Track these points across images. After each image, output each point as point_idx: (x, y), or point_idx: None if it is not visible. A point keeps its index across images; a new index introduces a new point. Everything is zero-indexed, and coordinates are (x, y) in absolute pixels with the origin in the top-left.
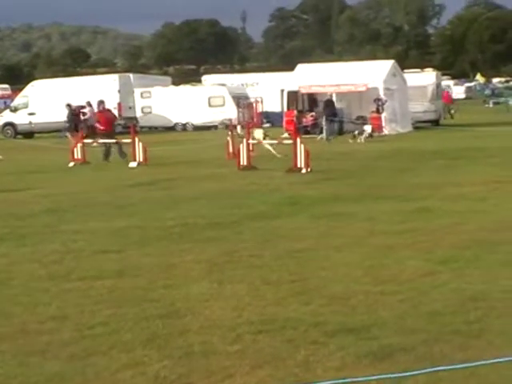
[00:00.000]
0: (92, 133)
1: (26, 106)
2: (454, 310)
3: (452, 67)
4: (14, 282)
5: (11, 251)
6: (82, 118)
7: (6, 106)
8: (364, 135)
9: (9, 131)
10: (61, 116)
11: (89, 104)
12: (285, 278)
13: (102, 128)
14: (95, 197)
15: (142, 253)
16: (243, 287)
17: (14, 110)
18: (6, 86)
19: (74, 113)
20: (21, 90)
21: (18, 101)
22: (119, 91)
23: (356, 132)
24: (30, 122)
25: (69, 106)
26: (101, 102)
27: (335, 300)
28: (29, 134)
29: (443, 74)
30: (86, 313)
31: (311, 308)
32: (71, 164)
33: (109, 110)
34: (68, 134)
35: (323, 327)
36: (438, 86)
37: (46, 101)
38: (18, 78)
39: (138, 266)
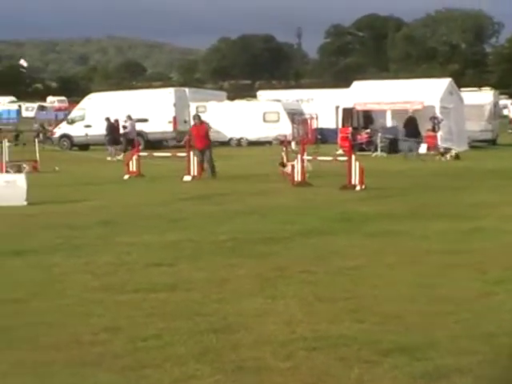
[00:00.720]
0: (131, 146)
1: (82, 118)
2: (509, 331)
3: (510, 86)
4: (68, 292)
5: (65, 262)
6: (121, 131)
7: (63, 118)
8: (450, 154)
9: (65, 143)
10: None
11: (129, 118)
12: (338, 295)
13: (195, 145)
14: (149, 210)
15: (195, 267)
16: (296, 303)
17: (71, 122)
18: (64, 98)
19: (113, 126)
20: (77, 102)
21: (74, 113)
22: (175, 105)
23: (442, 150)
24: (86, 134)
25: (107, 119)
26: (195, 117)
27: (389, 319)
28: (85, 146)
29: (501, 93)
30: (140, 325)
31: (365, 326)
32: (126, 176)
33: (203, 124)
34: (109, 147)
35: (377, 346)
36: (496, 105)
37: (102, 113)
38: (75, 90)
39: (191, 280)
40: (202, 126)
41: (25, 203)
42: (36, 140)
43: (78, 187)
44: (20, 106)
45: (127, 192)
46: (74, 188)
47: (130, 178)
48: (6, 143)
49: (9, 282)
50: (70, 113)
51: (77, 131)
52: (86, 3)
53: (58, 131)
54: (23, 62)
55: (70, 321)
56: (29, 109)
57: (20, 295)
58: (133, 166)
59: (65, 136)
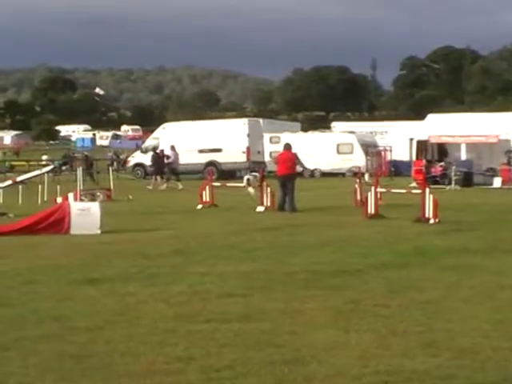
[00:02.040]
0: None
1: (156, 147)
2: None
3: None
4: (142, 321)
5: (140, 290)
6: (166, 161)
7: (137, 147)
8: None
9: (139, 172)
10: (191, 159)
11: (172, 148)
12: (412, 328)
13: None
14: (222, 240)
15: (268, 297)
16: (369, 336)
17: (145, 151)
18: (138, 127)
19: (158, 157)
20: (152, 131)
21: (148, 142)
22: (248, 135)
23: None
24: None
25: (153, 149)
26: (285, 146)
27: (463, 354)
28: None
29: None
30: (212, 355)
31: (439, 361)
32: (199, 206)
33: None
34: (155, 177)
35: (451, 381)
36: None
37: (177, 143)
38: (150, 119)
39: (263, 311)
40: (292, 154)
41: (98, 232)
42: (110, 168)
43: (152, 216)
44: (94, 135)
45: (200, 222)
46: (148, 217)
47: (203, 207)
48: (80, 171)
49: (83, 310)
50: (144, 142)
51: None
52: (161, 32)
53: (132, 160)
54: (99, 91)
55: (143, 350)
56: (103, 137)
57: (94, 323)
58: (206, 196)
59: (138, 165)
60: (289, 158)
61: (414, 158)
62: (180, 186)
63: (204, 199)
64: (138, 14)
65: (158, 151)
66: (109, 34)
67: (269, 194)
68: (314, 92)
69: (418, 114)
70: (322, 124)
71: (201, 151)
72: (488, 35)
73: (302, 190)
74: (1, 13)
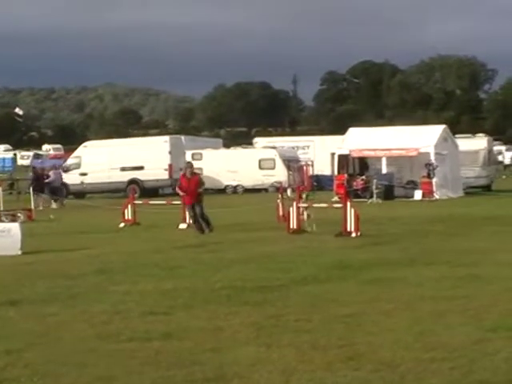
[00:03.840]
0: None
1: (78, 166)
2: (505, 378)
3: (504, 132)
4: (63, 342)
5: (61, 311)
6: (46, 180)
7: (59, 166)
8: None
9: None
10: (113, 177)
11: (54, 167)
12: (333, 342)
13: (184, 199)
14: (145, 258)
15: (190, 315)
16: (291, 351)
17: (66, 170)
18: (59, 146)
19: (38, 174)
20: (73, 150)
21: (70, 161)
22: (170, 153)
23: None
24: (82, 183)
25: (33, 168)
26: (188, 166)
27: (384, 366)
28: (81, 194)
29: (495, 139)
30: (134, 374)
31: (360, 374)
32: (122, 225)
33: (196, 176)
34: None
35: None
36: (490, 151)
37: (98, 161)
38: (71, 138)
39: (186, 329)
40: (194, 179)
41: (19, 252)
42: (31, 188)
43: (74, 236)
44: (15, 155)
45: (123, 240)
46: (70, 236)
47: (125, 226)
48: (0, 192)
49: (2, 332)
50: (65, 161)
51: (72, 179)
52: (82, 50)
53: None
54: (19, 110)
55: (64, 370)
56: (24, 157)
57: (13, 346)
58: (128, 214)
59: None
60: (192, 183)
61: (335, 172)
62: (54, 206)
63: (126, 217)
64: (58, 32)
65: (37, 170)
66: (29, 52)
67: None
68: (235, 108)
69: (340, 129)
70: (244, 140)
71: (123, 169)
72: (406, 49)
73: (224, 207)
74: None
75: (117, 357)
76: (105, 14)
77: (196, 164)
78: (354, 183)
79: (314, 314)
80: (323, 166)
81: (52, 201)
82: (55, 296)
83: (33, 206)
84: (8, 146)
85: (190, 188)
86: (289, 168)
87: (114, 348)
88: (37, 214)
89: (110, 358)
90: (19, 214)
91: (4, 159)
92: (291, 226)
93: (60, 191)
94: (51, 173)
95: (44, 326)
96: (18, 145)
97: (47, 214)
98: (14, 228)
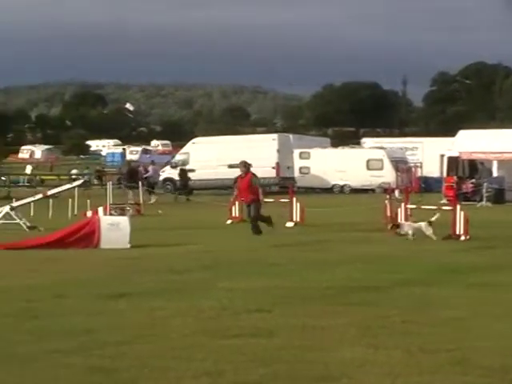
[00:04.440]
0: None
1: (186, 162)
2: None
3: None
4: (171, 336)
5: (168, 305)
6: (144, 175)
7: (167, 162)
8: None
9: (168, 186)
10: (220, 174)
11: (152, 163)
12: (441, 346)
13: (239, 198)
14: (250, 255)
15: (295, 313)
16: (398, 353)
17: (175, 166)
18: (168, 142)
19: (134, 170)
20: (182, 146)
21: (178, 157)
22: (278, 151)
23: None
24: (190, 179)
25: (128, 163)
26: (242, 164)
27: (493, 372)
28: (184, 189)
29: None
30: (241, 370)
31: (469, 379)
32: (229, 221)
33: (248, 174)
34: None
35: None
36: None
37: (206, 158)
38: (179, 134)
39: (291, 327)
40: (245, 178)
41: (128, 246)
42: (140, 183)
43: (181, 231)
44: (124, 149)
45: (229, 237)
46: (177, 232)
47: (232, 223)
48: (110, 186)
49: (112, 324)
50: (173, 157)
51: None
52: (192, 49)
53: (162, 175)
54: (129, 106)
55: (171, 364)
56: (133, 152)
57: (123, 338)
58: (235, 212)
59: (168, 180)
60: (244, 182)
61: (444, 174)
62: (153, 200)
63: (233, 214)
64: (168, 30)
65: (133, 165)
66: (139, 49)
67: (298, 210)
68: (344, 107)
69: (449, 130)
70: (352, 140)
71: (230, 166)
72: None
73: (330, 206)
74: (34, 29)
75: (224, 352)
76: (211, 13)
77: (304, 163)
78: (464, 186)
79: (420, 317)
80: (432, 168)
81: (151, 196)
82: (162, 290)
83: (141, 200)
84: (117, 141)
85: (242, 187)
86: (397, 169)
87: (221, 343)
88: (145, 208)
89: (217, 354)
90: (128, 208)
91: (113, 154)
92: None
93: (183, 186)
94: (150, 168)
95: (152, 320)
96: (127, 140)
97: (155, 208)
98: (123, 222)
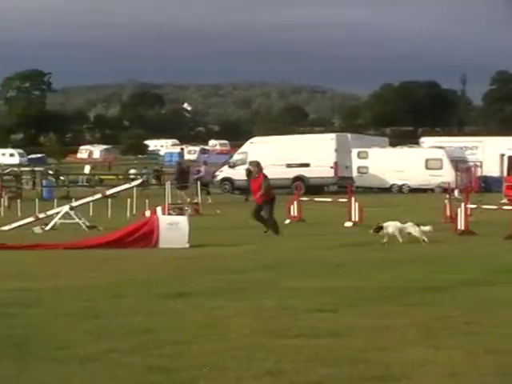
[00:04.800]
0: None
1: (244, 162)
2: None
3: None
4: (230, 335)
5: (228, 305)
6: (195, 176)
7: (225, 162)
8: None
9: (226, 186)
10: (278, 173)
11: (205, 163)
12: (506, 347)
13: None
14: (310, 254)
15: (357, 313)
16: (460, 354)
17: (233, 165)
18: (225, 141)
19: (183, 171)
20: (239, 146)
21: (236, 157)
22: (336, 150)
23: None
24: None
25: (179, 163)
26: (255, 165)
27: None
28: (246, 189)
29: None
30: (302, 370)
31: None
32: (287, 221)
33: (261, 175)
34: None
35: None
36: None
37: (264, 158)
38: (237, 134)
39: (352, 327)
40: (257, 179)
41: (187, 246)
42: (198, 183)
43: (239, 230)
44: (182, 149)
45: (288, 236)
46: (235, 231)
47: (290, 222)
48: (168, 185)
49: (171, 323)
50: (231, 156)
51: (238, 175)
52: (249, 48)
53: (220, 174)
54: (187, 106)
55: (231, 364)
56: (191, 152)
57: (182, 337)
58: (294, 211)
59: (226, 179)
60: (256, 182)
61: (504, 173)
62: (210, 200)
63: (292, 214)
64: (225, 29)
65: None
66: (197, 49)
67: (357, 209)
68: (402, 107)
69: (509, 130)
70: (411, 139)
71: (288, 166)
72: None
73: (389, 206)
74: (91, 29)
75: (284, 352)
76: (268, 11)
77: (362, 162)
78: None
79: (484, 317)
80: (492, 167)
81: (208, 196)
82: (221, 290)
83: (199, 200)
84: (175, 141)
85: (255, 188)
86: (456, 168)
87: (281, 343)
88: (204, 208)
89: (278, 354)
90: (186, 208)
91: (171, 154)
92: (459, 227)
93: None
94: (202, 168)
95: (211, 319)
96: (185, 140)
97: (214, 208)
98: (182, 221)
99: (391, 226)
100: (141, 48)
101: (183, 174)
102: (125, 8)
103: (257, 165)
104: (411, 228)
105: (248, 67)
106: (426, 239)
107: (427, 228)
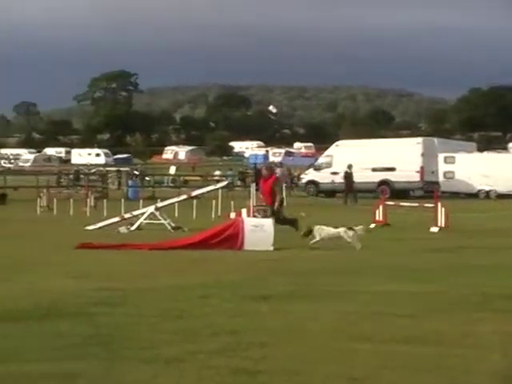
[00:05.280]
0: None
1: (329, 165)
2: None
3: None
4: (313, 339)
5: (310, 308)
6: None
7: (310, 165)
8: None
9: (311, 189)
10: (363, 177)
11: (280, 165)
12: None
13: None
14: (394, 259)
15: (438, 319)
16: None
17: (318, 168)
18: (310, 144)
19: (260, 172)
20: (324, 149)
21: (321, 160)
22: (423, 155)
23: None
24: (333, 181)
25: (255, 165)
26: (267, 168)
27: None
28: (331, 192)
29: None
30: (383, 376)
31: None
32: (372, 225)
33: (272, 176)
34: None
35: None
36: None
37: (350, 161)
38: (323, 137)
39: (434, 333)
40: (268, 180)
41: (271, 248)
42: (283, 185)
43: None
44: (267, 151)
45: (371, 240)
46: None
47: (376, 226)
48: (253, 187)
49: (255, 326)
50: (316, 159)
51: (323, 178)
52: (335, 51)
53: (305, 177)
54: (272, 108)
55: (314, 368)
56: (276, 154)
57: (267, 340)
58: (379, 215)
59: (311, 182)
60: (267, 184)
61: None
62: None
63: (377, 218)
64: (312, 34)
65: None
66: (284, 51)
67: (443, 215)
68: (490, 112)
69: None
70: (499, 144)
71: (374, 169)
72: None
73: (476, 212)
74: (178, 31)
75: (365, 358)
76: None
77: (448, 167)
78: None
79: None
80: None
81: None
82: (303, 293)
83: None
84: (260, 143)
85: (265, 190)
86: None
87: (362, 348)
88: (288, 210)
89: (359, 359)
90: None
91: (256, 156)
92: None
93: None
94: (277, 170)
95: (293, 322)
96: (270, 142)
97: (298, 210)
98: (268, 224)
99: (320, 230)
100: (227, 49)
101: (259, 177)
102: (213, 10)
103: (269, 168)
104: (344, 233)
105: (334, 70)
106: (358, 246)
107: (359, 228)
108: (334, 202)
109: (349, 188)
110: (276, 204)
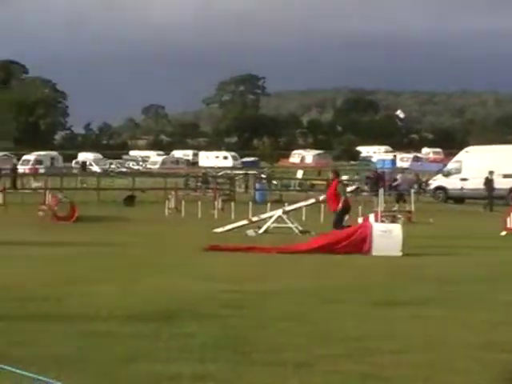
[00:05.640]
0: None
1: (458, 171)
2: None
3: None
4: (445, 347)
5: (440, 315)
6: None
7: (439, 170)
8: None
9: (440, 195)
10: (495, 184)
11: (402, 171)
12: None
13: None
14: None
15: None
16: None
17: (447, 174)
18: (439, 150)
19: (380, 176)
20: (454, 154)
21: (450, 165)
22: None
23: None
24: (462, 188)
25: (375, 170)
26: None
27: None
28: (460, 199)
29: None
30: None
31: None
32: (503, 233)
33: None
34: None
35: None
36: None
37: (479, 167)
38: (452, 142)
39: None
40: (332, 185)
41: (400, 254)
42: (412, 191)
43: (452, 240)
44: (395, 156)
45: (503, 249)
46: (448, 241)
47: (506, 234)
48: (382, 192)
49: (385, 331)
50: (445, 165)
51: (452, 184)
52: (466, 55)
53: (434, 183)
54: (400, 113)
55: (447, 377)
56: (404, 159)
57: (396, 346)
58: (510, 222)
59: (440, 188)
60: (331, 188)
61: None
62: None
63: (508, 225)
64: (443, 35)
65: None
66: (412, 56)
67: None
68: None
69: None
70: None
71: (505, 176)
72: None
73: None
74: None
75: (500, 367)
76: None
77: None
78: None
79: None
80: None
81: (406, 204)
82: (432, 300)
83: (412, 208)
84: (388, 148)
85: (329, 194)
86: None
87: (497, 358)
88: (416, 215)
89: (493, 368)
90: (399, 216)
91: (384, 161)
92: None
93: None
94: (398, 176)
95: (424, 329)
96: (397, 147)
97: (427, 217)
98: (396, 229)
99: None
100: (354, 54)
101: (378, 181)
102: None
103: (333, 171)
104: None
105: (464, 75)
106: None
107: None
108: (463, 208)
109: (490, 194)
110: (339, 205)
